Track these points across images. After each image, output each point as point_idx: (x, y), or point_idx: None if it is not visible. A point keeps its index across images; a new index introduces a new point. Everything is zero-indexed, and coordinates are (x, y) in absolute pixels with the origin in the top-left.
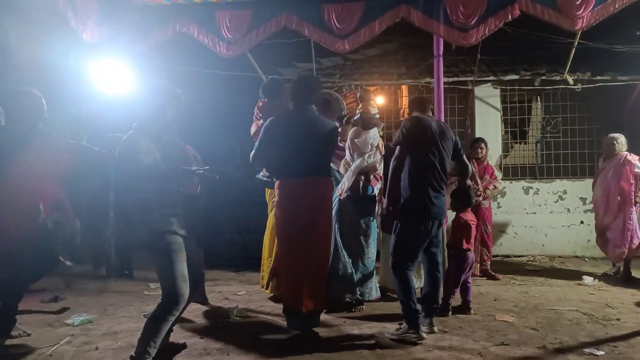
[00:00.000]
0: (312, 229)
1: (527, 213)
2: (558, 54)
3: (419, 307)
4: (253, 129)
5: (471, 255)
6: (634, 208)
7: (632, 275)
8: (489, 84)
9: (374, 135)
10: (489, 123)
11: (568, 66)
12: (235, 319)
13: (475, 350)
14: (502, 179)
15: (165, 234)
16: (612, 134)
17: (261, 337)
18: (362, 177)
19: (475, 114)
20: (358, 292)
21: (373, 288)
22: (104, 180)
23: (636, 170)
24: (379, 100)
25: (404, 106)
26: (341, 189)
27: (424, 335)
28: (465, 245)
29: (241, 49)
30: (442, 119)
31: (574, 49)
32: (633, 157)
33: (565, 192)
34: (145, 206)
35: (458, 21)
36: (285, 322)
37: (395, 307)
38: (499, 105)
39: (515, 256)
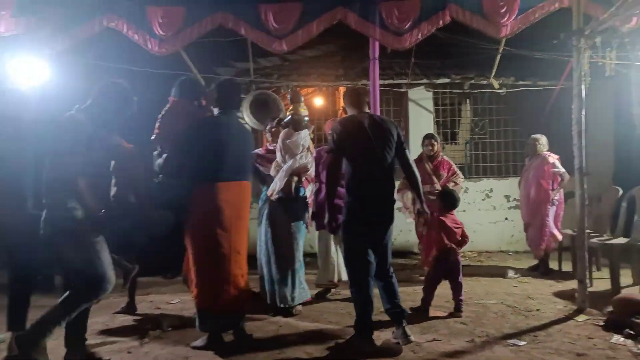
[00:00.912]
0: (232, 230)
1: (457, 211)
2: (485, 60)
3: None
4: (156, 132)
5: (453, 255)
6: (550, 206)
7: (550, 267)
8: (422, 87)
9: (305, 137)
10: (422, 124)
11: (494, 71)
12: (167, 330)
13: (407, 347)
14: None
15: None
16: (535, 135)
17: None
18: (295, 178)
19: (409, 116)
20: (289, 298)
21: (304, 290)
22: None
23: (554, 169)
24: (318, 101)
25: (342, 107)
26: (272, 189)
27: (377, 344)
28: (445, 246)
29: (174, 47)
30: None
31: (499, 55)
32: (552, 157)
33: (491, 190)
34: (71, 186)
35: (393, 25)
36: (200, 324)
37: (333, 308)
38: (431, 107)
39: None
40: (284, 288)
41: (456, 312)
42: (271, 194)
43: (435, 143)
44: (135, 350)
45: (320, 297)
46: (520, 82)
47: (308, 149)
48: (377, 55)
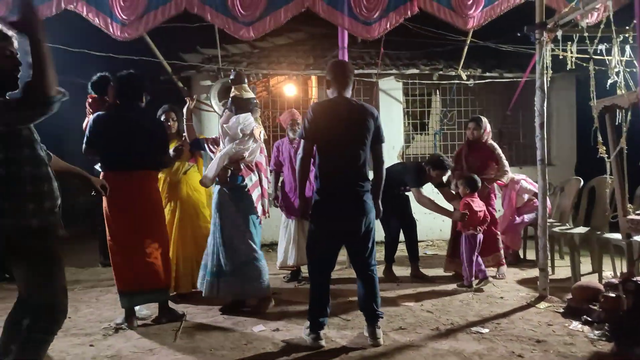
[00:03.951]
0: (139, 217)
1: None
2: (454, 51)
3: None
4: (85, 123)
5: (479, 235)
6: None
7: (518, 255)
8: (392, 77)
9: (245, 121)
10: (392, 115)
11: (462, 62)
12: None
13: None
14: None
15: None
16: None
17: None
18: (232, 167)
19: (379, 106)
20: (240, 291)
21: (262, 284)
22: None
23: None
24: (290, 90)
25: (313, 97)
26: (205, 176)
27: (322, 343)
28: (473, 228)
29: (137, 32)
30: None
31: (466, 47)
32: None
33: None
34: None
35: (362, 14)
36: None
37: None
38: (401, 97)
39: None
40: (232, 280)
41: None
42: (201, 181)
43: (479, 127)
44: (98, 343)
45: (291, 280)
46: (487, 74)
47: (251, 134)
48: (346, 44)
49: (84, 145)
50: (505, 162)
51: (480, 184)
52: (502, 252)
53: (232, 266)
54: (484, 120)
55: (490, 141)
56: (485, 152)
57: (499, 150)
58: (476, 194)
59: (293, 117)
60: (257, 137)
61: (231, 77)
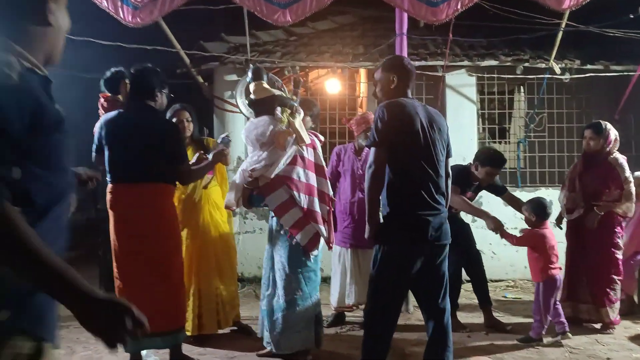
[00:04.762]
0: (150, 243)
1: (508, 228)
2: (544, 38)
3: None
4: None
5: (558, 276)
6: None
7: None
8: (464, 71)
9: (262, 125)
10: (463, 118)
11: (554, 52)
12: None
13: None
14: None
15: None
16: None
17: None
18: (252, 185)
19: (446, 107)
20: (274, 342)
21: (298, 336)
22: None
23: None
24: (334, 86)
25: (362, 95)
26: (229, 200)
27: None
28: (551, 268)
29: (152, 17)
30: None
31: (561, 33)
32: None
33: (551, 203)
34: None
35: None
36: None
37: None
38: (475, 96)
39: (492, 281)
40: (270, 328)
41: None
42: (226, 206)
43: (597, 136)
44: None
45: (333, 324)
46: (588, 67)
47: (270, 141)
48: (405, 29)
49: (93, 154)
50: (631, 188)
51: (549, 210)
52: (614, 307)
53: (269, 308)
54: (606, 126)
55: (616, 155)
56: (605, 169)
57: (626, 170)
58: (547, 222)
59: (369, 123)
60: (282, 145)
61: (249, 75)
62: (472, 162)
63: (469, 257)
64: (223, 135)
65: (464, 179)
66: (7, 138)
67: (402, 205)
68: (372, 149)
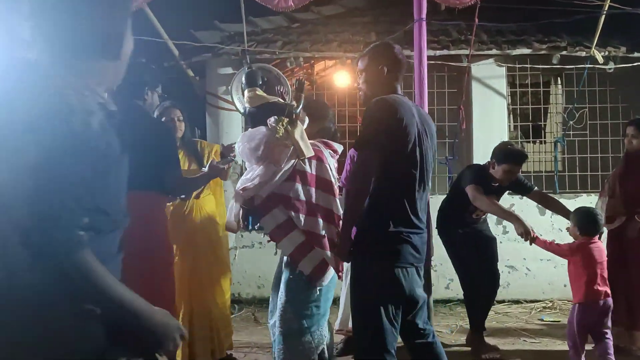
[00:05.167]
0: (128, 256)
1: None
2: (584, 22)
3: None
4: None
5: (601, 300)
6: None
7: None
8: (492, 60)
9: (257, 137)
10: (492, 113)
11: (596, 38)
12: None
13: None
14: (508, 193)
15: None
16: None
17: None
18: (246, 204)
19: (472, 102)
20: None
21: None
22: None
23: None
24: (343, 79)
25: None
26: (228, 221)
27: None
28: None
29: (136, 2)
30: (426, 108)
31: (603, 16)
32: None
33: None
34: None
35: None
36: None
37: None
38: (505, 89)
39: (527, 301)
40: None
41: None
42: (230, 227)
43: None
44: None
45: (344, 352)
46: (635, 55)
47: (265, 155)
48: (424, 14)
49: None
50: None
51: (602, 223)
52: None
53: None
54: None
55: None
56: None
57: None
58: (596, 237)
59: None
60: (278, 159)
61: (242, 80)
62: (489, 161)
63: (487, 275)
64: (229, 155)
65: (483, 179)
66: (87, 186)
67: (383, 220)
68: (361, 151)
